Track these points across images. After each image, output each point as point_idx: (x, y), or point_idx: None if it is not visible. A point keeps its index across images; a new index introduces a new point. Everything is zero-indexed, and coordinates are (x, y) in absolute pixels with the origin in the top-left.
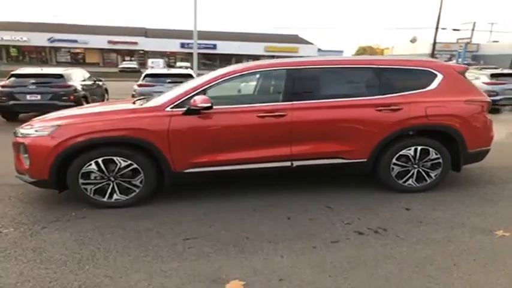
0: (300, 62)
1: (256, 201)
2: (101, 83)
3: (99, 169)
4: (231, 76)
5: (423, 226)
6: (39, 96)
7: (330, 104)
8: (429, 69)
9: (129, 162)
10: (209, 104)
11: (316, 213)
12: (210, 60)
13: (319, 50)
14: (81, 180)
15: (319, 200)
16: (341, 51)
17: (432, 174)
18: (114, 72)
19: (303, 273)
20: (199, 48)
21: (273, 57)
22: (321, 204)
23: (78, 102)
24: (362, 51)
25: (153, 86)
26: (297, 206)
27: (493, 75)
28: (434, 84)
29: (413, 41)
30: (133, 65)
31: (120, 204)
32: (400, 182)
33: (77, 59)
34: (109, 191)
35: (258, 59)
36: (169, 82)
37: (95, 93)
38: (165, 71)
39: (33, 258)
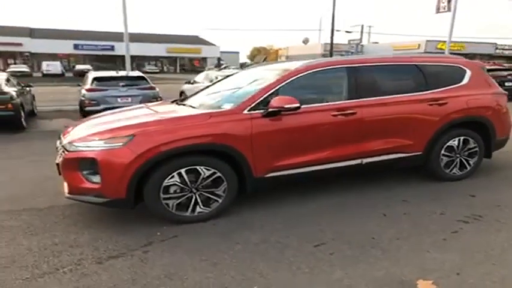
0: (361, 60)
1: (333, 200)
2: (28, 88)
3: (182, 181)
4: (299, 75)
5: (507, 209)
6: None
7: (391, 100)
8: (459, 66)
9: (213, 170)
10: (298, 104)
11: (401, 207)
12: (107, 62)
13: None
14: (162, 195)
15: (388, 196)
16: (237, 52)
17: (471, 162)
18: None
19: (466, 264)
20: (94, 50)
21: (175, 58)
22: (395, 199)
23: (16, 111)
24: (257, 52)
25: (106, 90)
26: (377, 203)
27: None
28: (466, 79)
29: (305, 42)
30: (24, 68)
31: (203, 218)
32: (447, 171)
33: None
34: (192, 204)
35: (160, 60)
36: (123, 86)
37: (26, 101)
38: (114, 73)
39: (191, 285)
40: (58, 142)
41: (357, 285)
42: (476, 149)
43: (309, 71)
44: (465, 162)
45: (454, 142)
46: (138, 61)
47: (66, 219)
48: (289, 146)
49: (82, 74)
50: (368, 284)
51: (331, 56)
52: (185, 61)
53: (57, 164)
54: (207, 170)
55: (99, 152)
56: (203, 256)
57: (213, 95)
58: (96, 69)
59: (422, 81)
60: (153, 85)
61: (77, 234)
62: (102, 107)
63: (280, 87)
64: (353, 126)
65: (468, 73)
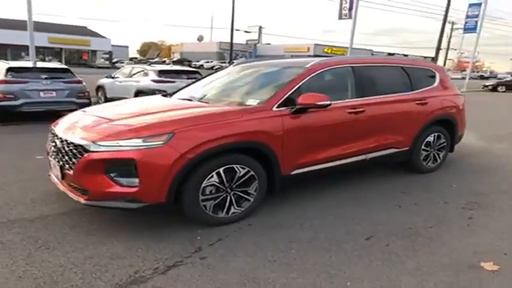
0: (364, 60)
1: (346, 195)
2: None
3: (220, 181)
4: (315, 73)
5: (491, 195)
6: None
7: (389, 98)
8: (431, 69)
9: (247, 169)
10: (329, 102)
11: (407, 198)
12: None
13: None
14: (201, 197)
15: (389, 188)
16: (126, 47)
17: (441, 156)
18: None
19: (504, 245)
20: None
21: (60, 49)
22: (396, 191)
23: None
24: (147, 47)
25: (26, 82)
26: (384, 195)
27: (161, 72)
28: (436, 82)
29: (200, 39)
30: None
31: (236, 218)
32: (424, 163)
33: None
34: (227, 204)
35: (41, 52)
36: (46, 78)
37: None
38: (31, 64)
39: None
40: (58, 141)
41: (436, 271)
42: (445, 143)
43: (324, 69)
44: (436, 156)
45: (430, 138)
46: (14, 51)
47: (76, 229)
48: (312, 142)
49: None
50: (444, 269)
51: (231, 54)
52: (67, 54)
53: (61, 167)
54: (242, 168)
55: (138, 151)
56: (269, 257)
57: (220, 91)
58: None
59: (409, 82)
60: (80, 78)
61: (106, 245)
62: (21, 101)
63: (302, 84)
64: (362, 123)
65: (438, 76)
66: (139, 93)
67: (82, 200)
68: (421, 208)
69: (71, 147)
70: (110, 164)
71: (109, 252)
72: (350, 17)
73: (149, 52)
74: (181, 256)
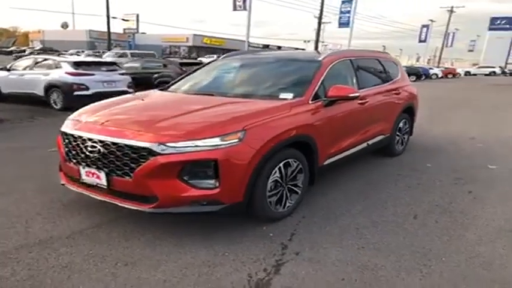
0: (359, 53)
1: (356, 183)
2: None
3: (281, 175)
4: (330, 65)
5: (466, 171)
6: None
7: (379, 89)
8: (393, 61)
9: (298, 162)
10: (358, 93)
11: (407, 180)
12: None
13: None
14: (267, 193)
15: (386, 172)
16: None
17: (405, 139)
18: None
19: None
20: None
21: None
22: (393, 174)
23: None
24: None
25: None
26: (387, 179)
27: (77, 64)
28: (399, 73)
29: (64, 26)
30: None
31: (289, 212)
32: (396, 147)
33: None
34: (284, 198)
35: None
36: None
37: None
38: None
39: (394, 274)
40: (99, 146)
41: (494, 239)
42: (408, 128)
43: (335, 62)
44: (403, 140)
45: (401, 124)
46: None
47: (134, 242)
48: (337, 133)
49: None
50: (498, 235)
51: (109, 44)
52: None
53: (107, 174)
54: (295, 162)
55: (218, 151)
56: (354, 245)
57: (236, 85)
58: None
59: (385, 74)
60: None
61: (187, 254)
62: None
63: (324, 77)
64: (366, 112)
65: (398, 68)
66: (51, 87)
67: (147, 209)
68: (426, 187)
69: (126, 151)
70: (184, 166)
71: (199, 260)
72: (245, 9)
73: (2, 40)
74: (275, 254)
